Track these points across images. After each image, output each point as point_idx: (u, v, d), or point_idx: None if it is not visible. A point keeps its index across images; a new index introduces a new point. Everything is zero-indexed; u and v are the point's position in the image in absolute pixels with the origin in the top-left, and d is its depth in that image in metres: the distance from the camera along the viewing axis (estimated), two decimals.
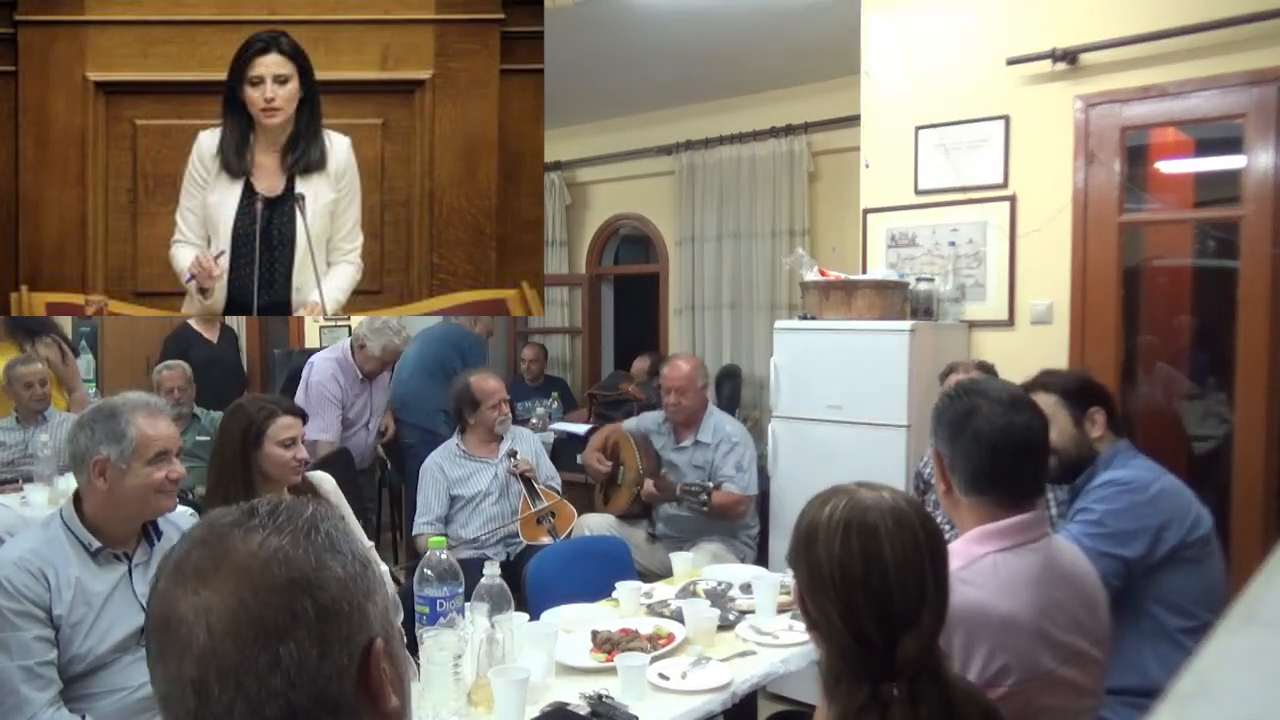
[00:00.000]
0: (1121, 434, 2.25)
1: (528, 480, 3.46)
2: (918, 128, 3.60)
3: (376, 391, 4.50)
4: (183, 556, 0.75)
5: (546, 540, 3.33)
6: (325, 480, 2.62)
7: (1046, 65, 3.27)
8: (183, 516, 2.14)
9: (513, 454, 3.51)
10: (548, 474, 3.65)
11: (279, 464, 2.36)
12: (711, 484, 3.33)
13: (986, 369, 2.96)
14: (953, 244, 3.53)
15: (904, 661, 1.16)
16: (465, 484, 3.48)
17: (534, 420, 5.00)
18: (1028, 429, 1.51)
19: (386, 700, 0.77)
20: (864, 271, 3.66)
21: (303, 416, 2.47)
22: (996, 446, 1.49)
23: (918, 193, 3.62)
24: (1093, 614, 1.53)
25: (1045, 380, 2.26)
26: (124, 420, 1.90)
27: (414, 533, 3.46)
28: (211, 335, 5.19)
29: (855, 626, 1.18)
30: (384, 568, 1.94)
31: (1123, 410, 2.48)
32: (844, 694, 1.19)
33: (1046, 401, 2.17)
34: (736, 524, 3.58)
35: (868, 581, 1.18)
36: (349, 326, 6.86)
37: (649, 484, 3.40)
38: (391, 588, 1.96)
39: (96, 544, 1.89)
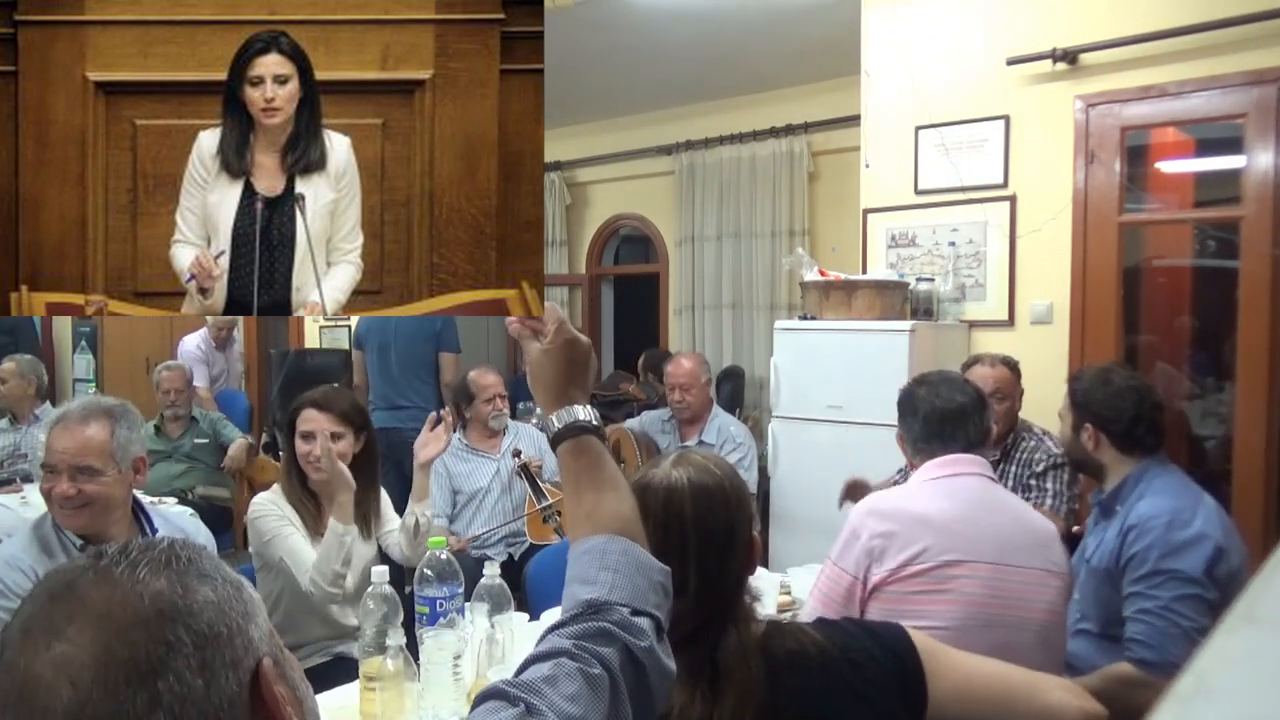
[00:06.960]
0: (1147, 454, 2.06)
1: (532, 478, 3.46)
2: (918, 128, 3.60)
3: (231, 357, 6.00)
4: (29, 616, 0.66)
5: (554, 539, 3.33)
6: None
7: (1046, 65, 3.27)
8: (182, 516, 2.14)
9: (517, 453, 3.51)
10: (551, 470, 3.66)
11: (300, 457, 2.37)
12: None
13: (1010, 365, 2.94)
14: (953, 244, 3.53)
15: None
16: (468, 479, 3.49)
17: (535, 420, 5.01)
18: (950, 400, 1.89)
19: None
20: (864, 271, 3.66)
21: (339, 414, 2.40)
22: (928, 416, 1.90)
23: (918, 193, 3.62)
24: (1037, 542, 1.73)
25: (1074, 379, 2.23)
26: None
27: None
28: None
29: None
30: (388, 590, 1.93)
31: None
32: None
33: (1065, 402, 2.21)
34: None
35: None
36: (348, 327, 6.87)
37: None
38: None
39: (79, 542, 1.89)
